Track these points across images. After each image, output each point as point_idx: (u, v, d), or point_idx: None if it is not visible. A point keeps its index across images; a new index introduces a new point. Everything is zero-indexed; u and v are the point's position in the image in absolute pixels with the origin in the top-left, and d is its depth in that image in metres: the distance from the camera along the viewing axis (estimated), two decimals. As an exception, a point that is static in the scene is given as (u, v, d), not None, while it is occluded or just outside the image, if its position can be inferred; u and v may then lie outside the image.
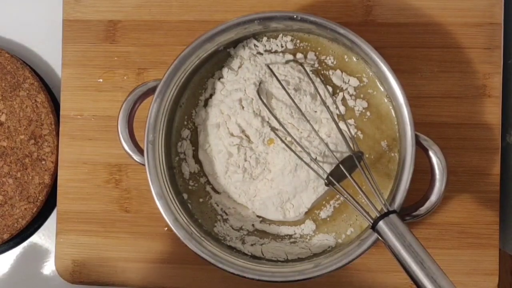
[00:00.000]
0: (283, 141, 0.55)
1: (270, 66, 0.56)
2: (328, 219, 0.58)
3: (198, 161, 0.58)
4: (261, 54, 0.57)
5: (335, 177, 0.52)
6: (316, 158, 0.55)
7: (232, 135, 0.56)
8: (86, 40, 0.64)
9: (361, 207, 0.50)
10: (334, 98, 0.57)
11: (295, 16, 0.54)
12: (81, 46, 0.64)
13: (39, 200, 0.64)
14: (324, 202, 0.58)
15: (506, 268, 0.66)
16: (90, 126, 0.64)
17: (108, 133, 0.63)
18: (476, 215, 0.61)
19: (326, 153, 0.55)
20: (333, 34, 0.54)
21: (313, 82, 0.55)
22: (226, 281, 0.62)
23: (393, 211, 0.49)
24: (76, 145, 0.64)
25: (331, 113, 0.55)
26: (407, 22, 0.61)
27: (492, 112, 0.61)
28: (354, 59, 0.57)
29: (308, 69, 0.57)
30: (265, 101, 0.55)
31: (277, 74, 0.55)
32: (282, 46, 0.57)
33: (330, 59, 0.57)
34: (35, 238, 0.68)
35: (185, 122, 0.58)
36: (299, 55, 0.57)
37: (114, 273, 0.63)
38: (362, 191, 0.50)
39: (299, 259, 0.56)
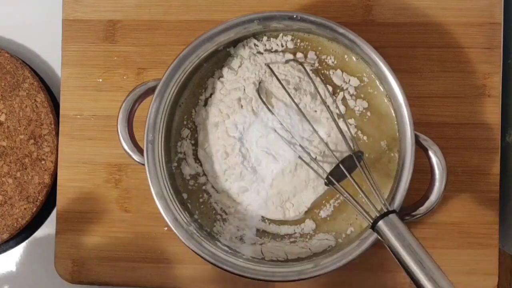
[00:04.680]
0: (284, 140, 0.55)
1: (270, 65, 0.56)
2: (328, 218, 0.58)
3: (198, 161, 0.58)
4: (261, 53, 0.57)
5: (335, 177, 0.52)
6: (316, 157, 0.55)
7: (230, 134, 0.56)
8: (86, 40, 0.64)
9: (361, 206, 0.50)
10: (334, 97, 0.57)
11: (294, 16, 0.54)
12: (80, 46, 0.64)
13: (38, 200, 0.64)
14: (324, 202, 0.58)
15: (505, 268, 0.66)
16: (90, 126, 0.64)
17: (108, 133, 0.63)
18: (476, 215, 0.61)
19: (326, 153, 0.55)
20: (333, 34, 0.54)
21: (313, 82, 0.55)
22: (226, 281, 0.62)
23: (393, 211, 0.49)
24: (76, 145, 0.64)
25: (331, 112, 0.55)
26: (407, 21, 0.61)
27: (492, 112, 0.61)
28: (354, 59, 0.57)
29: (308, 68, 0.57)
30: (264, 100, 0.55)
31: (277, 74, 0.55)
32: (282, 46, 0.57)
33: (330, 58, 0.57)
34: (35, 238, 0.68)
35: (185, 122, 0.58)
36: (299, 55, 0.57)
37: (114, 273, 0.63)
38: (362, 190, 0.50)
39: (299, 259, 0.56)
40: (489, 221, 0.61)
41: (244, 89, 0.56)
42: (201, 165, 0.58)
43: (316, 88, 0.55)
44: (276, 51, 0.57)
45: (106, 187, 0.63)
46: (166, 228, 0.62)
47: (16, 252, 0.68)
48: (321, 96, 0.55)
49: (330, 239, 0.57)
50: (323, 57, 0.57)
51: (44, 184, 0.64)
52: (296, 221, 0.58)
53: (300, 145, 0.54)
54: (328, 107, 0.55)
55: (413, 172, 0.52)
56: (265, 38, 0.57)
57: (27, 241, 0.68)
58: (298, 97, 0.56)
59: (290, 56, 0.57)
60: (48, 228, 0.68)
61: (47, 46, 0.68)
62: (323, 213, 0.58)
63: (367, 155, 0.57)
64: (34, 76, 0.65)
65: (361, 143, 0.57)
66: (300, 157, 0.54)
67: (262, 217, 0.58)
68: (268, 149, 0.55)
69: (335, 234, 0.57)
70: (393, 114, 0.56)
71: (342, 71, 0.57)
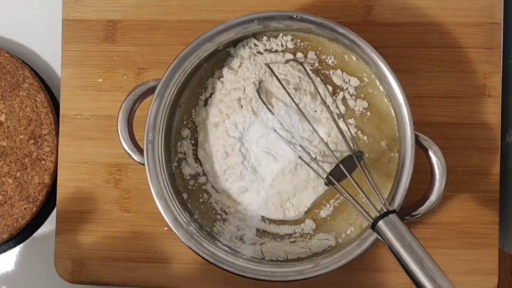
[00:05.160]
0: (284, 140, 0.55)
1: (270, 65, 0.56)
2: (328, 218, 0.58)
3: (198, 161, 0.58)
4: (261, 53, 0.57)
5: (335, 177, 0.52)
6: (316, 157, 0.55)
7: (230, 134, 0.56)
8: (86, 40, 0.64)
9: (361, 206, 0.50)
10: (334, 97, 0.57)
11: (294, 16, 0.54)
12: (80, 45, 0.64)
13: (38, 200, 0.64)
14: (324, 201, 0.58)
15: (505, 268, 0.66)
16: (90, 126, 0.64)
17: (108, 133, 0.63)
18: (476, 214, 0.61)
19: (326, 153, 0.55)
20: (333, 34, 0.54)
21: (313, 82, 0.55)
22: (226, 281, 0.62)
23: (393, 211, 0.49)
24: (76, 145, 0.64)
25: (331, 112, 0.55)
26: (407, 21, 0.61)
27: (492, 112, 0.61)
28: (354, 59, 0.57)
29: (308, 68, 0.57)
30: (264, 100, 0.55)
31: (277, 74, 0.55)
32: (282, 46, 0.57)
33: (330, 58, 0.57)
34: (35, 238, 0.68)
35: (185, 122, 0.58)
36: (299, 55, 0.57)
37: (114, 273, 0.63)
38: (362, 190, 0.50)
39: (299, 259, 0.56)
40: (489, 221, 0.61)
41: (244, 89, 0.56)
42: (201, 165, 0.58)
43: (316, 88, 0.55)
44: (276, 51, 0.57)
45: (106, 187, 0.63)
46: (166, 228, 0.62)
47: (16, 252, 0.68)
48: (321, 96, 0.55)
49: (330, 239, 0.57)
50: (323, 57, 0.57)
51: (44, 184, 0.64)
52: (296, 221, 0.58)
53: (300, 145, 0.54)
54: (328, 107, 0.55)
55: (413, 172, 0.52)
56: (265, 38, 0.57)
57: (27, 241, 0.68)
58: (298, 97, 0.56)
59: (290, 56, 0.57)
60: (48, 228, 0.68)
61: (47, 46, 0.68)
62: (323, 213, 0.58)
63: (367, 155, 0.57)
64: (34, 76, 0.65)
65: (361, 143, 0.57)
66: (300, 157, 0.54)
67: (262, 217, 0.58)
68: (268, 149, 0.55)
69: (335, 234, 0.57)
70: (393, 114, 0.56)
71: (342, 71, 0.57)
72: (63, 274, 0.64)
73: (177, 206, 0.55)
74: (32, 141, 0.65)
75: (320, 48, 0.57)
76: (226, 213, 0.58)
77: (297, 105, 0.54)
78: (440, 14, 0.61)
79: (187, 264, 0.63)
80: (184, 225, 0.54)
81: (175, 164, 0.58)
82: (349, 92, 0.57)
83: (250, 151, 0.56)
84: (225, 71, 0.57)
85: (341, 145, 0.55)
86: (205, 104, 0.58)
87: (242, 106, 0.55)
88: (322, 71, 0.57)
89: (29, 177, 0.64)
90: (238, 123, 0.55)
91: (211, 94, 0.58)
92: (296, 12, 0.54)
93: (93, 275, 0.63)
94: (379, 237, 0.49)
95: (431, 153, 0.53)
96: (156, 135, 0.54)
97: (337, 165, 0.51)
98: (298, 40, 0.57)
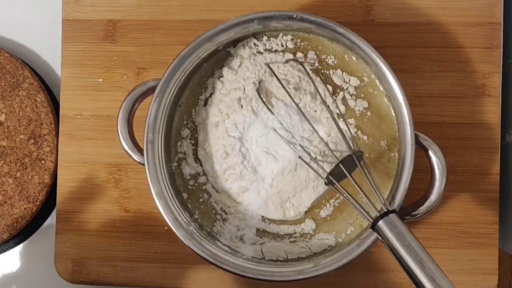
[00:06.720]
0: (284, 140, 0.55)
1: (270, 65, 0.56)
2: (328, 218, 0.58)
3: (198, 161, 0.58)
4: (261, 53, 0.57)
5: (335, 177, 0.52)
6: (316, 157, 0.55)
7: (230, 134, 0.56)
8: (86, 40, 0.64)
9: (361, 206, 0.50)
10: (334, 97, 0.57)
11: (294, 16, 0.54)
12: (80, 45, 0.64)
13: (38, 200, 0.64)
14: (324, 201, 0.58)
15: (505, 268, 0.66)
16: (90, 126, 0.64)
17: (108, 132, 0.63)
18: (476, 214, 0.61)
19: (326, 153, 0.55)
20: (333, 34, 0.54)
21: (313, 81, 0.55)
22: (226, 281, 0.62)
23: (393, 211, 0.49)
24: (76, 145, 0.64)
25: (331, 112, 0.55)
26: (407, 21, 0.61)
27: (492, 112, 0.61)
28: (354, 59, 0.57)
29: (308, 68, 0.57)
30: (264, 100, 0.55)
31: (277, 73, 0.55)
32: (282, 45, 0.57)
33: (330, 58, 0.57)
34: (35, 238, 0.68)
35: (185, 122, 0.58)
36: (299, 54, 0.57)
37: (114, 273, 0.63)
38: (362, 190, 0.50)
39: (299, 259, 0.56)
40: (489, 221, 0.61)
41: (244, 89, 0.56)
42: (201, 165, 0.58)
43: (316, 88, 0.55)
44: (276, 50, 0.57)
45: (106, 187, 0.64)
46: (166, 228, 0.62)
47: (16, 252, 0.68)
48: (321, 96, 0.55)
49: (330, 238, 0.57)
50: (323, 56, 0.57)
51: (44, 184, 0.64)
52: (296, 221, 0.58)
53: (300, 145, 0.54)
54: (328, 107, 0.55)
55: (413, 172, 0.52)
56: (265, 38, 0.57)
57: (27, 241, 0.68)
58: (298, 97, 0.56)
59: (290, 56, 0.57)
60: (48, 228, 0.68)
61: (47, 46, 0.68)
62: (323, 213, 0.58)
63: (367, 154, 0.57)
64: (34, 76, 0.65)
65: (361, 143, 0.57)
66: (300, 157, 0.54)
67: (262, 217, 0.58)
68: (268, 149, 0.55)
69: (335, 233, 0.57)
70: (393, 114, 0.56)
71: (342, 71, 0.57)
72: (63, 274, 0.64)
73: (177, 206, 0.55)
74: (32, 141, 0.65)
75: (320, 48, 0.57)
76: (226, 213, 0.58)
77: (297, 105, 0.54)
78: (440, 14, 0.61)
79: (187, 264, 0.63)
80: (184, 225, 0.54)
81: (175, 164, 0.58)
82: (349, 92, 0.57)
83: (250, 151, 0.56)
84: (225, 71, 0.57)
85: (341, 145, 0.55)
86: (205, 104, 0.58)
87: (242, 106, 0.55)
88: (322, 71, 0.57)
89: (29, 177, 0.64)
90: (238, 123, 0.55)
91: (211, 94, 0.58)
92: (296, 12, 0.54)
93: (93, 275, 0.63)
94: (379, 237, 0.49)
95: (431, 153, 0.53)
96: (156, 135, 0.54)
97: (337, 165, 0.51)
98: (298, 40, 0.57)
